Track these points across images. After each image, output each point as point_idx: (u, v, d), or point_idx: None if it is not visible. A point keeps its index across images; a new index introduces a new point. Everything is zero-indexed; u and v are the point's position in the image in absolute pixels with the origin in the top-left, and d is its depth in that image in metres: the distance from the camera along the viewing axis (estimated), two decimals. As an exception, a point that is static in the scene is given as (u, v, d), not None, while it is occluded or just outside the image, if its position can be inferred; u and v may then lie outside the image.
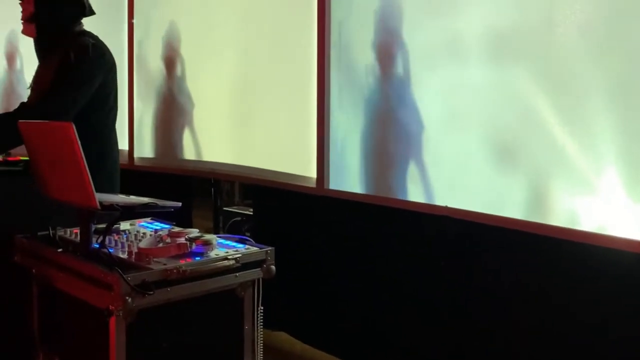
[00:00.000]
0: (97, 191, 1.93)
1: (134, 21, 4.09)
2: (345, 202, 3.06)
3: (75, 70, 2.67)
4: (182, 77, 3.92)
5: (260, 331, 2.20)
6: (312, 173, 3.19)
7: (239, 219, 4.32)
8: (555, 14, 2.27)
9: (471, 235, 2.63)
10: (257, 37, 3.50)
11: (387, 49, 2.85)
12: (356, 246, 3.16)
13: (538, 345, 2.45)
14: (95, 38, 2.80)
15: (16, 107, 2.77)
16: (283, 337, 3.56)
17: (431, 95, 2.69)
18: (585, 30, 2.20)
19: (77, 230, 2.25)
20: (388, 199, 2.86)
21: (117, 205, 1.99)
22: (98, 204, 1.93)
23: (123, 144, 3.60)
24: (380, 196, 2.90)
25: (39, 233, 2.26)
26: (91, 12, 2.86)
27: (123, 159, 3.47)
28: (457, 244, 2.71)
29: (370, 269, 3.09)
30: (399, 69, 2.82)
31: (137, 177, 3.61)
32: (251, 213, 4.18)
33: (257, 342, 2.21)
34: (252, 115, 3.54)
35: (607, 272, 2.22)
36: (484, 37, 2.49)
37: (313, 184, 3.18)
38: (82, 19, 2.83)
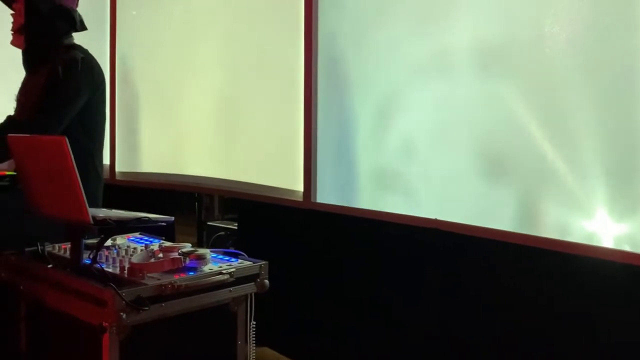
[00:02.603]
0: None
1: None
2: (333, 216, 3.05)
3: (63, 86, 2.63)
4: (166, 91, 3.88)
5: (253, 346, 2.19)
6: (299, 186, 3.17)
7: (223, 233, 4.29)
8: (544, 29, 2.30)
9: (461, 247, 2.64)
10: (244, 49, 3.48)
11: (377, 62, 2.86)
12: (343, 259, 3.15)
13: (529, 355, 2.46)
14: (85, 52, 2.76)
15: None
16: (267, 353, 3.52)
17: (421, 108, 2.70)
18: (574, 44, 2.23)
19: (65, 246, 2.22)
20: (376, 212, 2.86)
21: (110, 219, 1.97)
22: (91, 218, 1.90)
23: (104, 158, 3.55)
24: (368, 209, 2.89)
25: (27, 249, 2.22)
26: (82, 28, 2.83)
27: (104, 173, 3.42)
28: (447, 257, 2.71)
29: (358, 282, 3.08)
30: (389, 81, 2.83)
31: (116, 192, 3.56)
32: (235, 227, 4.15)
33: (250, 357, 2.19)
34: (238, 128, 3.52)
35: (596, 282, 2.24)
36: (474, 51, 2.51)
37: (300, 198, 3.17)
38: (72, 32, 2.80)
